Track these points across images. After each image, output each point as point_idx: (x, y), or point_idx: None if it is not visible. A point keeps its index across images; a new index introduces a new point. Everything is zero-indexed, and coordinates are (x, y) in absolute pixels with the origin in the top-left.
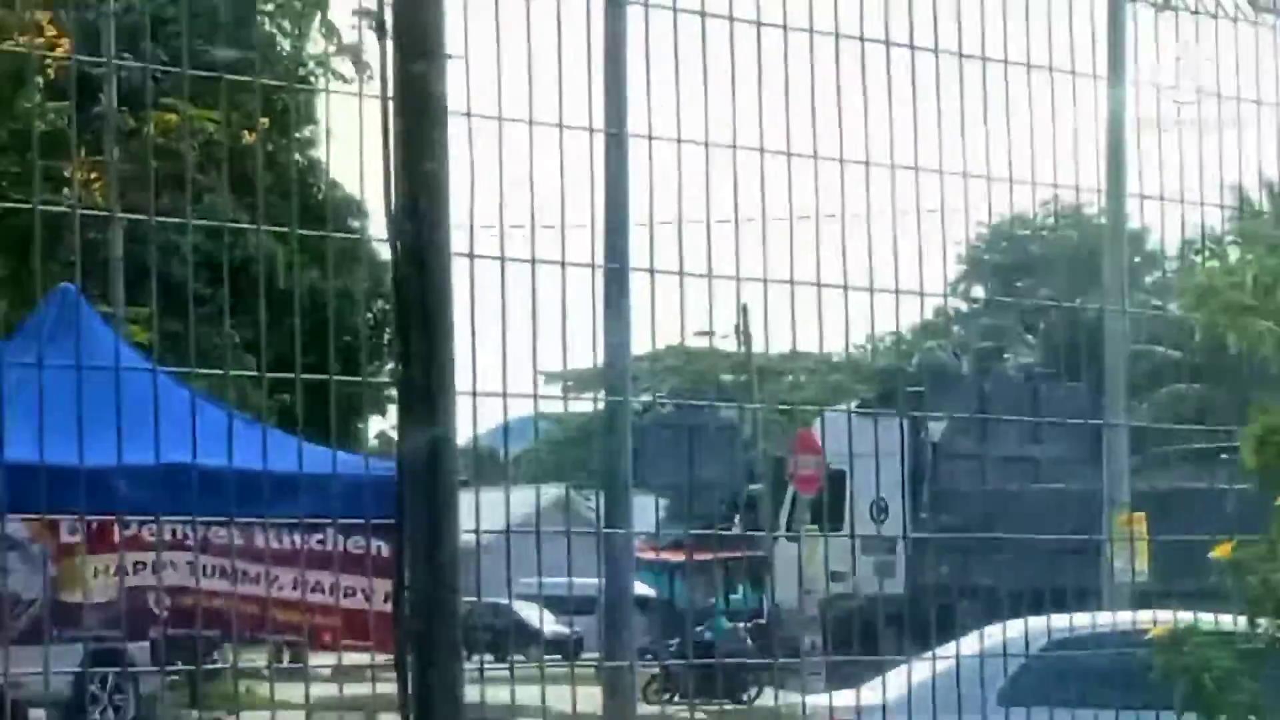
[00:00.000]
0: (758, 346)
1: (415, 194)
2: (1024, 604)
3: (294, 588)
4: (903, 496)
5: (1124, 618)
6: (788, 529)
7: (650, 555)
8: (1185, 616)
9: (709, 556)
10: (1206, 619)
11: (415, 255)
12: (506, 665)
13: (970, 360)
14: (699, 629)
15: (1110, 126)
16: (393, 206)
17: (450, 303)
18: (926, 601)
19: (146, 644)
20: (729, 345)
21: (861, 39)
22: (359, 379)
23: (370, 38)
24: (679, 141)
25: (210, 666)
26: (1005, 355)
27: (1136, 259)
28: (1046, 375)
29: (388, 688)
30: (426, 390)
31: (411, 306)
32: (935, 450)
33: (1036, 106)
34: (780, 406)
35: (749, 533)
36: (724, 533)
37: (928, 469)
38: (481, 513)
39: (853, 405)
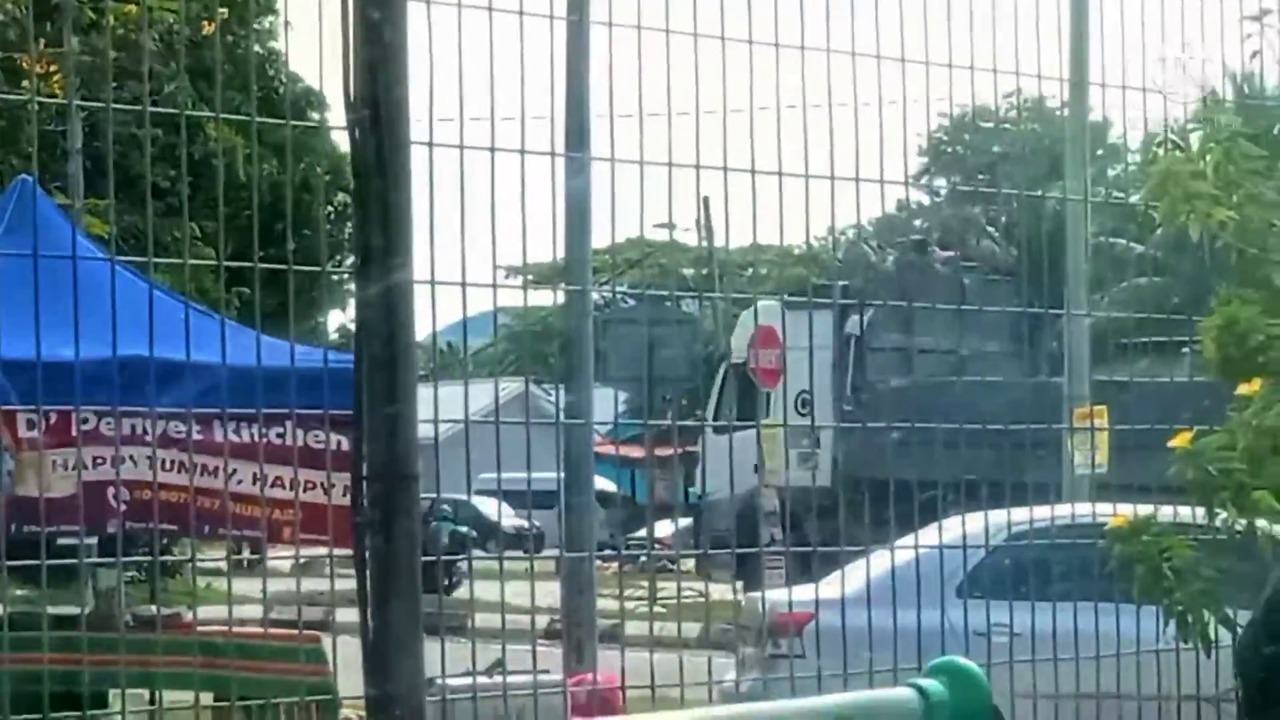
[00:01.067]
0: (718, 240)
1: (373, 69)
2: (956, 497)
3: (253, 482)
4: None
5: (1083, 510)
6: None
7: (610, 450)
8: (1145, 509)
9: (669, 451)
10: (1165, 510)
11: (373, 128)
12: (466, 559)
13: (896, 254)
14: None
15: (1074, 15)
16: (351, 90)
17: (408, 161)
18: (852, 494)
19: (95, 540)
20: (690, 239)
21: None
22: (317, 268)
23: None
24: (639, 29)
25: (167, 557)
26: (931, 249)
27: (1099, 152)
28: (974, 269)
29: (346, 583)
30: (384, 238)
31: (369, 164)
32: (857, 343)
33: None
34: (735, 296)
35: (713, 423)
36: (685, 424)
37: (850, 362)
38: (440, 407)
39: (767, 301)
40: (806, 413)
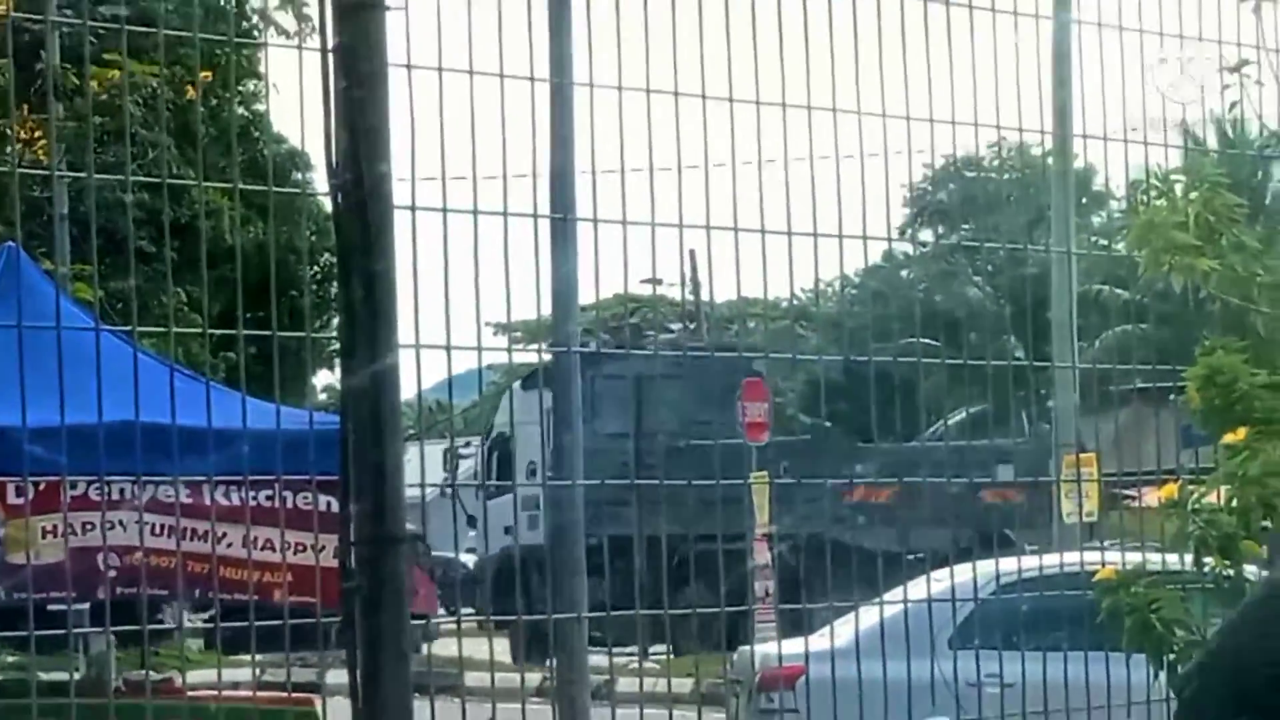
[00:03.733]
0: (703, 293)
1: (354, 133)
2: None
3: (242, 545)
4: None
5: (1071, 559)
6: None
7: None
8: (1134, 557)
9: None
10: (1154, 559)
11: (355, 195)
12: (454, 619)
13: (620, 338)
14: None
15: (1055, 65)
16: (333, 157)
17: (391, 240)
18: (565, 550)
19: (87, 606)
20: (675, 293)
21: None
22: (301, 334)
23: None
24: (620, 89)
25: (159, 627)
26: (647, 333)
27: (1083, 199)
28: (696, 347)
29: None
30: (370, 324)
31: (352, 245)
32: (554, 416)
33: (979, 46)
34: (721, 354)
35: (700, 482)
36: (673, 483)
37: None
38: (430, 467)
39: (517, 383)
40: (535, 480)
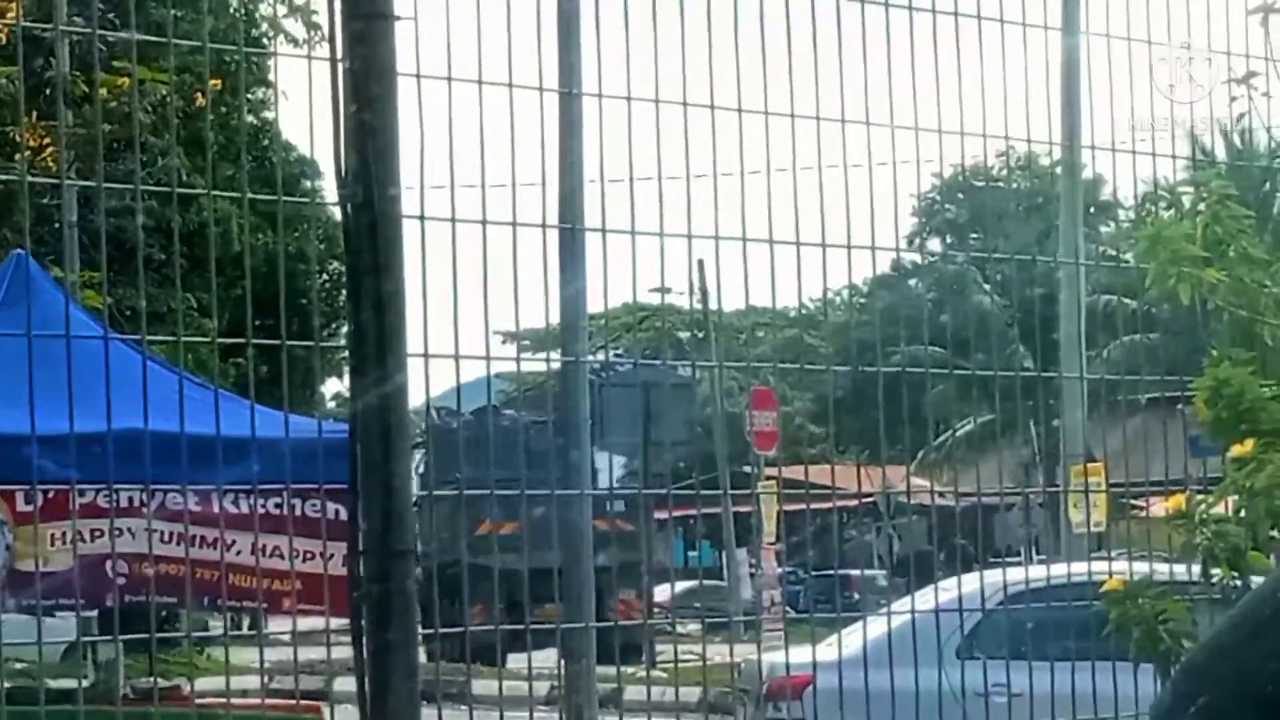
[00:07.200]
0: (712, 303)
1: (365, 155)
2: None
3: (251, 553)
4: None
5: (1079, 569)
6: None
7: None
8: (1141, 568)
9: (664, 516)
10: (1162, 569)
11: (365, 216)
12: (461, 629)
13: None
14: None
15: (1064, 76)
16: (343, 168)
17: (400, 261)
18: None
19: (95, 613)
20: (684, 301)
21: None
22: (310, 343)
23: None
24: (629, 99)
25: (167, 635)
26: (507, 412)
27: (1091, 209)
28: (537, 423)
29: (344, 651)
30: (379, 345)
31: (362, 266)
32: (422, 478)
33: (988, 58)
34: (730, 365)
35: (707, 492)
36: (679, 491)
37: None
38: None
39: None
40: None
